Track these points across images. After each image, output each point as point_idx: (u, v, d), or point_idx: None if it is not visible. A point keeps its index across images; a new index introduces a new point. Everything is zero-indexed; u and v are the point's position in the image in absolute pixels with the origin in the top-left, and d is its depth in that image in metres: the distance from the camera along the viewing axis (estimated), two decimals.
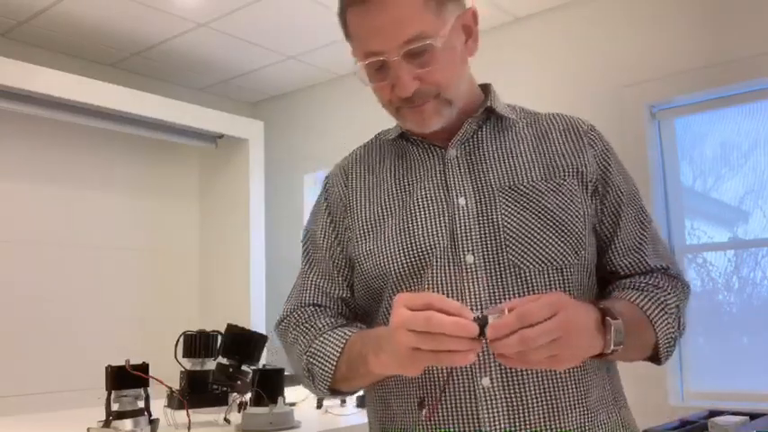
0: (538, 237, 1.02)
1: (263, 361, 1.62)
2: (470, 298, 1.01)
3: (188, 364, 1.63)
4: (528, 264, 1.02)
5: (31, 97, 3.21)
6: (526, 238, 1.02)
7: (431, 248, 1.05)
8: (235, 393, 1.55)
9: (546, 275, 1.02)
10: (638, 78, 3.10)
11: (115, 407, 1.28)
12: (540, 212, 1.04)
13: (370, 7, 1.01)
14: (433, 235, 1.05)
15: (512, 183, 1.07)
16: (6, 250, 3.41)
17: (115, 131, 3.65)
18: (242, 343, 1.58)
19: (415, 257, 1.05)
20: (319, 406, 1.63)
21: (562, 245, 1.03)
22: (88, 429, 1.28)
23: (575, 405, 1.01)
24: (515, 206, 1.05)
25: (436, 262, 1.04)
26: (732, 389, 2.81)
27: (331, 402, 1.74)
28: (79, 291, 3.64)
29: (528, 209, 1.04)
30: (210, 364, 1.61)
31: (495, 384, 0.99)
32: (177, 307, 3.98)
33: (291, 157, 4.42)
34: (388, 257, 1.07)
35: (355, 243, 1.12)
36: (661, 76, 3.04)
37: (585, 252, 1.05)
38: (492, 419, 0.98)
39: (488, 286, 1.02)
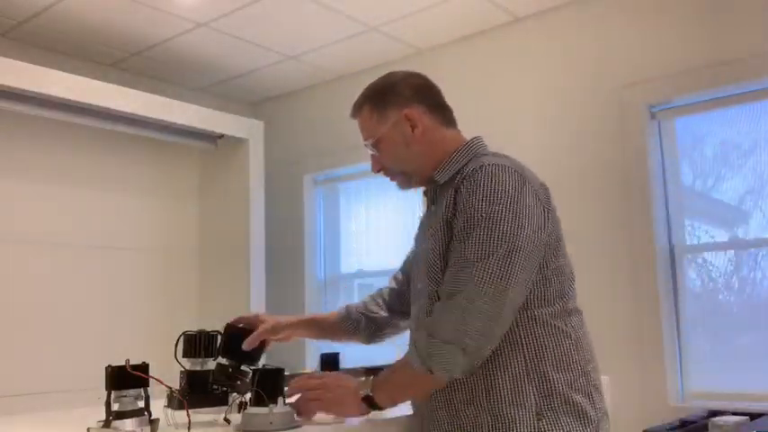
0: (422, 275, 1.46)
1: (262, 361, 1.62)
2: (414, 311, 1.53)
3: (188, 364, 1.63)
4: (421, 292, 1.46)
5: (32, 97, 3.21)
6: (422, 275, 1.47)
7: (412, 277, 1.60)
8: (235, 393, 1.55)
9: (424, 301, 1.43)
10: (638, 78, 3.10)
11: (115, 407, 1.27)
12: (424, 257, 1.46)
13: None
14: (413, 268, 1.61)
15: (428, 234, 1.47)
16: (6, 250, 3.41)
17: (115, 131, 3.65)
18: (241, 343, 1.57)
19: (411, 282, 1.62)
20: None
21: (428, 280, 1.42)
22: (88, 429, 1.28)
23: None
24: (423, 253, 1.48)
25: (412, 286, 1.58)
26: (732, 389, 2.81)
27: None
28: (79, 291, 3.64)
29: (423, 255, 1.47)
30: (210, 364, 1.60)
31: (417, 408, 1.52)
32: (177, 307, 3.98)
33: (291, 157, 4.42)
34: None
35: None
36: (661, 76, 3.04)
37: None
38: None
39: (416, 304, 1.50)
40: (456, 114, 1.63)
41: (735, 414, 2.40)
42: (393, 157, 1.56)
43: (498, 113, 3.45)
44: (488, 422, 1.35)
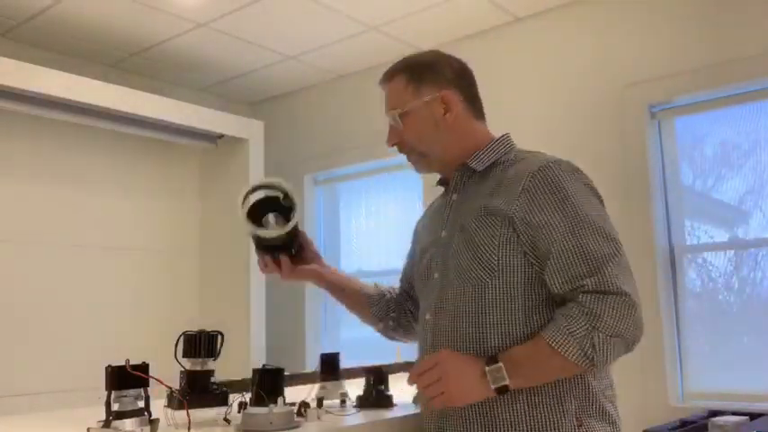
0: (465, 262, 1.40)
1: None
2: (431, 302, 1.48)
3: (188, 364, 1.63)
4: (458, 281, 1.41)
5: (31, 97, 3.21)
6: (459, 263, 1.41)
7: (424, 268, 1.54)
8: (236, 395, 1.55)
9: (467, 290, 1.39)
10: (638, 78, 3.10)
11: (115, 407, 1.27)
12: (469, 244, 1.40)
13: (381, 91, 1.57)
14: (427, 257, 1.54)
15: (464, 222, 1.44)
16: (6, 250, 3.41)
17: (115, 131, 3.65)
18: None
19: (418, 275, 1.58)
20: (320, 405, 1.63)
21: (478, 268, 1.38)
22: (88, 429, 1.28)
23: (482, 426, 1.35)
24: (460, 239, 1.43)
25: (423, 277, 1.54)
26: (732, 389, 2.81)
27: (331, 402, 1.75)
28: (79, 290, 3.64)
29: (464, 241, 1.41)
30: (211, 364, 1.60)
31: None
32: (177, 307, 3.98)
33: (291, 157, 4.42)
34: (415, 275, 1.62)
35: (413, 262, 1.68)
36: (661, 76, 3.04)
37: (500, 274, 1.36)
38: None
39: (439, 295, 1.45)
40: None
41: (735, 414, 2.40)
42: (417, 134, 1.51)
43: (498, 113, 3.43)
44: (528, 427, 1.32)
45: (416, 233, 1.71)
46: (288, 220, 1.56)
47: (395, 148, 1.56)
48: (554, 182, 1.36)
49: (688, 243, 3.03)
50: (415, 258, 1.66)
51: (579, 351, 1.24)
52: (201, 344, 1.60)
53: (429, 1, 3.29)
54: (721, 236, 3.01)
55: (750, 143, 2.92)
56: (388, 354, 2.25)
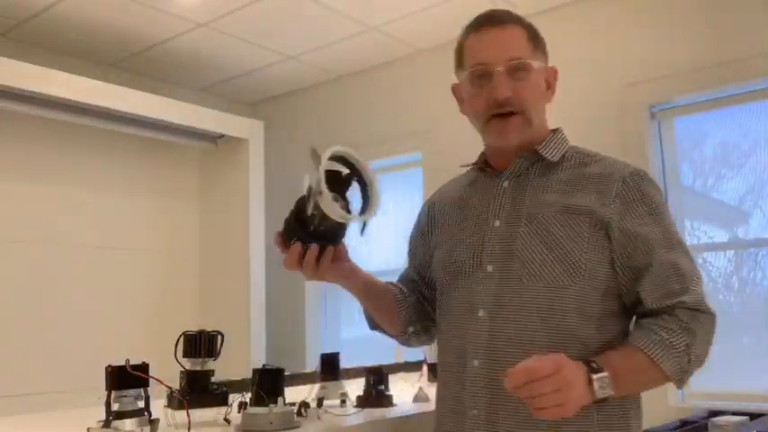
0: (539, 258, 1.28)
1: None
2: (484, 297, 1.31)
3: (188, 364, 1.63)
4: (528, 278, 1.28)
5: (31, 97, 3.21)
6: (530, 257, 1.28)
7: (465, 258, 1.37)
8: (236, 395, 1.55)
9: (539, 288, 1.27)
10: (639, 78, 3.10)
11: (115, 407, 1.27)
12: (546, 239, 1.28)
13: (488, 31, 1.38)
14: (468, 246, 1.37)
15: (534, 214, 1.32)
16: (6, 250, 3.41)
17: (115, 131, 3.65)
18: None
19: (453, 265, 1.39)
20: (320, 405, 1.63)
21: (558, 268, 1.27)
22: (88, 429, 1.28)
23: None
24: (530, 232, 1.30)
25: (467, 268, 1.36)
26: (732, 389, 2.81)
27: (331, 402, 1.75)
28: (79, 290, 3.64)
29: (538, 235, 1.29)
30: (211, 364, 1.61)
31: (480, 413, 1.28)
32: (177, 307, 3.98)
33: (291, 157, 4.42)
34: (441, 264, 1.43)
35: (434, 252, 1.48)
36: (661, 76, 3.04)
37: (583, 277, 1.27)
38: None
39: (498, 290, 1.30)
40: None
41: (735, 414, 2.40)
42: (534, 93, 1.40)
43: None
44: None
45: (433, 217, 1.53)
46: (344, 198, 1.32)
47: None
48: (647, 193, 1.33)
49: (688, 243, 3.02)
50: (427, 247, 1.52)
51: (677, 366, 1.22)
52: (201, 344, 1.60)
53: (429, 1, 3.29)
54: (721, 236, 3.01)
55: (750, 143, 2.92)
56: (388, 354, 2.25)
